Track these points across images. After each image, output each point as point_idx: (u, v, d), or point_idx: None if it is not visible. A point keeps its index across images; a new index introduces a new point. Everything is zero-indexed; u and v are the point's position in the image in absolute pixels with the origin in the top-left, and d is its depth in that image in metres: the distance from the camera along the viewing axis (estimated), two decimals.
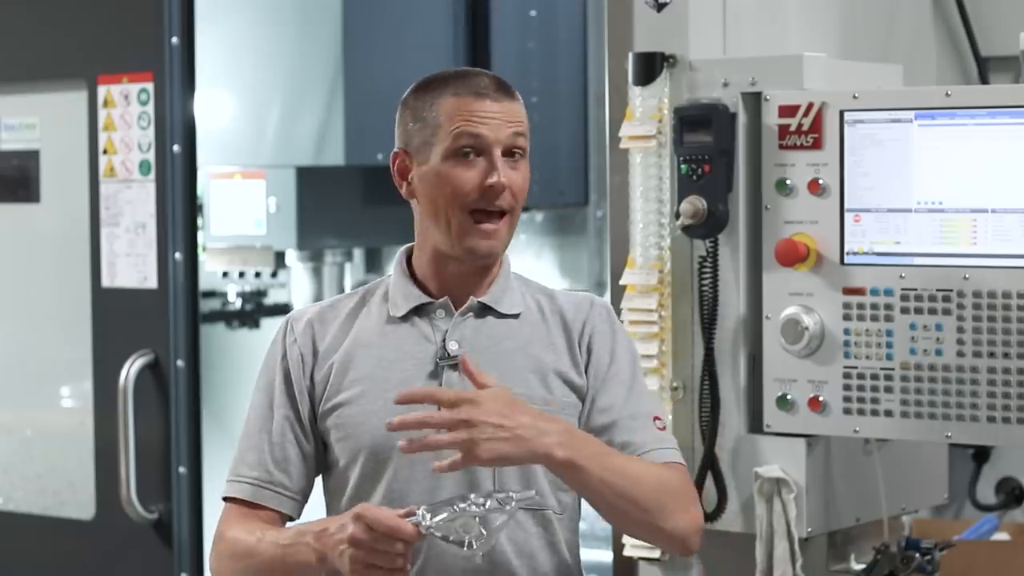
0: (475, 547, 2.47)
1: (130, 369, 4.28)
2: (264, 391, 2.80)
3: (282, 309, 5.68)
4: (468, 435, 2.49)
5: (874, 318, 3.30)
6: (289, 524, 2.76)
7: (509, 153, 2.70)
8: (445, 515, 2.45)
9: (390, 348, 2.75)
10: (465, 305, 2.76)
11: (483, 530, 2.46)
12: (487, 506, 2.46)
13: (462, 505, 2.46)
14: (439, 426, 2.51)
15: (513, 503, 2.47)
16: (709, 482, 3.46)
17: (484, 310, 2.77)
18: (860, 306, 3.31)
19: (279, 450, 2.77)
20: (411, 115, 2.75)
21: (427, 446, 2.51)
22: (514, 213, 2.72)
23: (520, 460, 2.54)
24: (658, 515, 2.64)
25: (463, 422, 2.49)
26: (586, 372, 2.77)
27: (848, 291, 3.32)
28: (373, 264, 5.83)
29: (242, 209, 5.31)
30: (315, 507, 2.81)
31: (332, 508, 2.78)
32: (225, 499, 2.79)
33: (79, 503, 4.49)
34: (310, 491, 2.81)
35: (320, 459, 2.80)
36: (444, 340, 2.73)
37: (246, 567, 2.70)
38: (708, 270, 3.45)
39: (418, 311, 2.76)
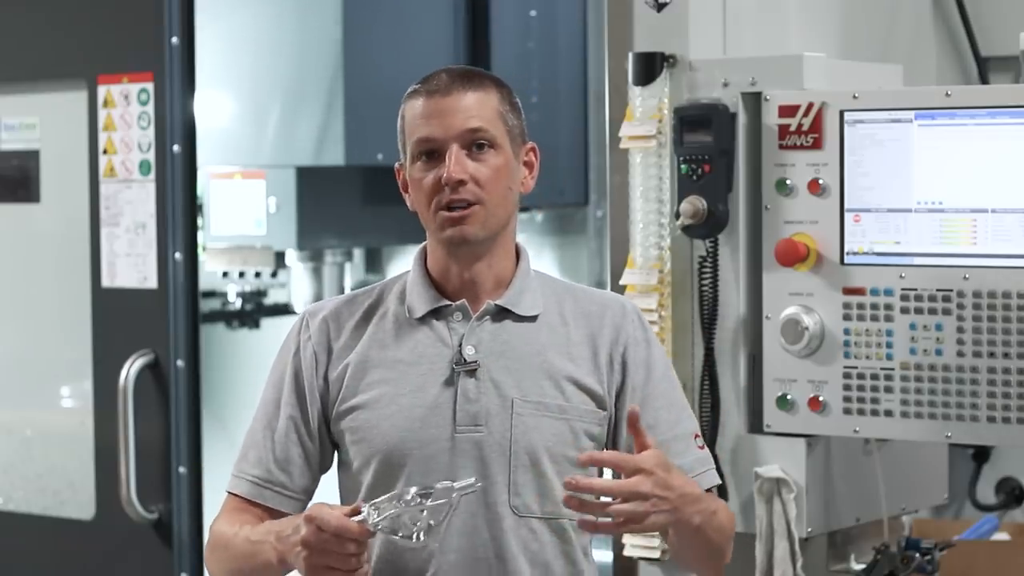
0: (423, 539, 2.49)
1: (130, 369, 4.28)
2: (274, 386, 2.80)
3: (282, 309, 5.68)
4: (639, 508, 2.50)
5: (874, 318, 3.30)
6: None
7: (473, 145, 2.67)
8: (392, 511, 2.47)
9: (406, 351, 2.74)
10: (481, 309, 2.73)
11: (431, 521, 2.48)
12: (431, 499, 2.48)
13: (407, 499, 2.48)
14: (609, 492, 2.51)
15: (455, 493, 2.50)
16: None
17: (501, 313, 2.74)
18: (860, 306, 3.31)
19: (281, 450, 2.77)
20: (398, 127, 2.76)
21: (598, 527, 2.54)
22: (484, 203, 2.67)
23: (665, 527, 2.58)
24: (725, 558, 2.75)
25: (638, 494, 2.50)
26: (622, 386, 2.76)
27: (848, 291, 3.32)
28: (373, 264, 5.83)
29: (242, 209, 5.31)
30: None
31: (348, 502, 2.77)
32: (228, 491, 2.81)
33: (79, 503, 4.48)
34: (314, 488, 2.81)
35: (326, 458, 2.80)
36: (461, 344, 2.71)
37: (220, 558, 2.73)
38: (708, 270, 3.45)
39: (435, 313, 2.74)
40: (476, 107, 2.68)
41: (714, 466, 2.80)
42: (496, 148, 2.69)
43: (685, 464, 2.72)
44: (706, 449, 2.81)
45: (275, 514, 2.76)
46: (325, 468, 2.81)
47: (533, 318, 2.75)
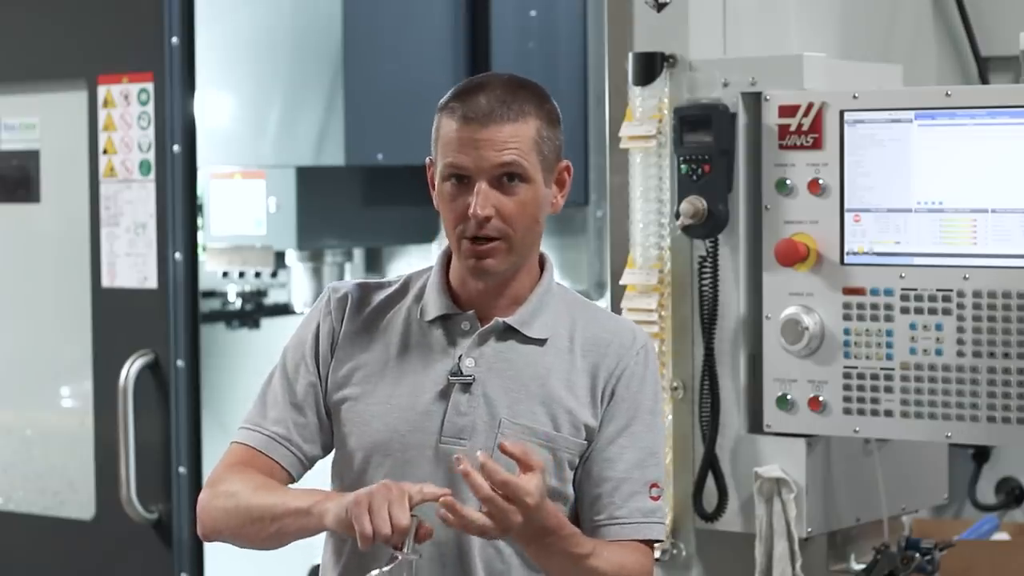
0: None
1: (130, 369, 4.28)
2: (295, 351, 2.78)
3: (282, 309, 5.67)
4: (491, 529, 2.47)
5: (874, 318, 3.30)
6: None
7: (503, 177, 2.62)
8: None
9: (409, 352, 2.73)
10: (488, 325, 2.70)
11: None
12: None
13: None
14: (484, 500, 2.46)
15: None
16: (709, 482, 3.46)
17: (508, 331, 2.71)
18: (860, 306, 3.31)
19: (299, 413, 2.74)
20: (433, 126, 2.70)
21: (464, 525, 2.49)
22: (509, 238, 2.63)
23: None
24: None
25: (505, 521, 2.46)
26: (603, 416, 2.71)
27: (848, 291, 3.32)
28: (373, 264, 5.83)
29: (242, 209, 5.31)
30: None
31: (335, 487, 2.76)
32: (233, 443, 2.76)
33: (79, 503, 4.49)
34: (316, 460, 2.78)
35: (336, 431, 2.77)
36: (461, 356, 2.70)
37: (232, 504, 2.67)
38: (708, 270, 3.45)
39: (445, 319, 2.72)
40: (511, 139, 2.62)
41: (657, 520, 2.71)
42: (527, 182, 2.64)
43: (625, 507, 2.68)
44: (660, 501, 2.72)
45: (279, 470, 2.72)
46: (330, 443, 2.78)
47: (541, 341, 2.72)
